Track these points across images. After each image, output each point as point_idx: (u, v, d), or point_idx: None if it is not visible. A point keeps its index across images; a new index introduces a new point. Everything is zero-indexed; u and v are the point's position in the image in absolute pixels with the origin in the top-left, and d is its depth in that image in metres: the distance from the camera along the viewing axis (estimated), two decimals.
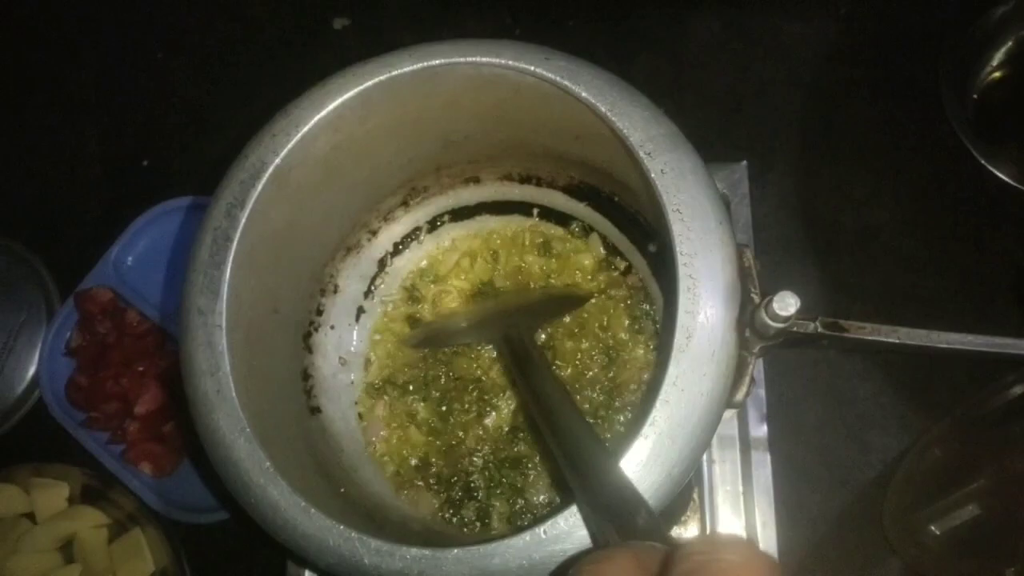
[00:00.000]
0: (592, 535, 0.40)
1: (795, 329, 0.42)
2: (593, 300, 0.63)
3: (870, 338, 0.43)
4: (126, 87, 0.91)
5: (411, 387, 0.63)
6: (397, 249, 0.65)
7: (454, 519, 0.59)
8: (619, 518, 0.37)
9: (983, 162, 0.71)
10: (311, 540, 0.43)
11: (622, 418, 0.60)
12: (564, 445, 0.44)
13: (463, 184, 0.64)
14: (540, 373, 0.52)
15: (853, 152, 0.79)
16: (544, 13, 0.87)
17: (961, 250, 0.75)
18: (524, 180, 0.64)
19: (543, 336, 0.63)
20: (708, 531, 0.64)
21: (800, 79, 0.81)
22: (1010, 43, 0.76)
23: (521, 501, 0.59)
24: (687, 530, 0.64)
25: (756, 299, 0.44)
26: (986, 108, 0.76)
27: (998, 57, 0.76)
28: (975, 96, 0.76)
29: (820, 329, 0.43)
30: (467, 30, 0.87)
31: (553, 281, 0.64)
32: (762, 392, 0.67)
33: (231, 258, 0.47)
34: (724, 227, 0.44)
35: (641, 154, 0.45)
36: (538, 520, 0.43)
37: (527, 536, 0.41)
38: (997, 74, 0.76)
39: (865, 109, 0.80)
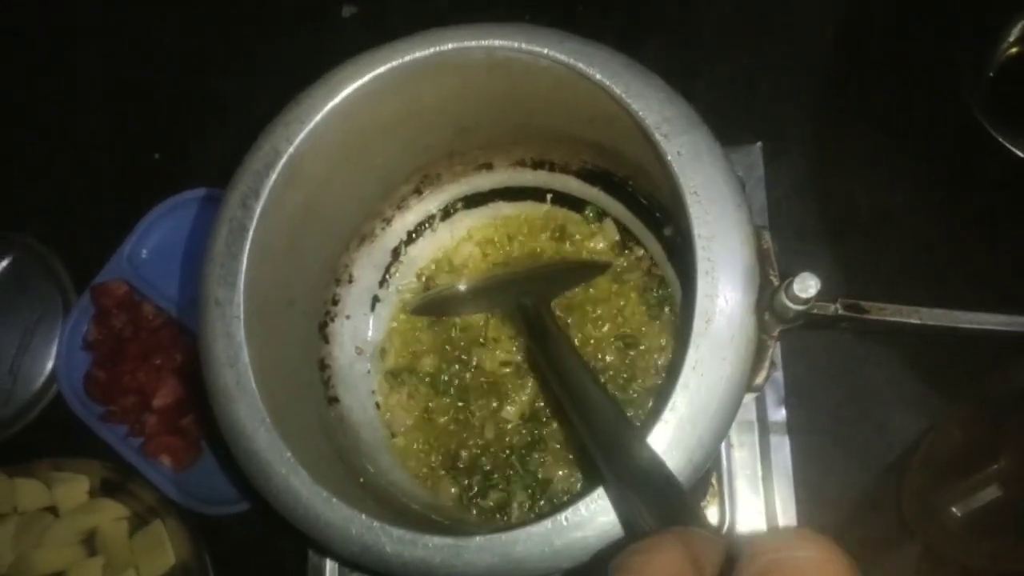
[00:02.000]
0: (623, 519, 0.40)
1: (815, 311, 0.42)
2: (608, 285, 0.62)
3: (891, 319, 0.42)
4: (134, 79, 0.90)
5: (428, 377, 0.63)
6: (411, 237, 0.65)
7: (474, 508, 0.59)
8: (651, 497, 0.37)
9: (1000, 140, 0.70)
10: (333, 529, 0.43)
11: (639, 404, 0.60)
12: (587, 418, 0.44)
13: (476, 171, 0.64)
14: (558, 344, 0.51)
15: (867, 133, 0.78)
16: (553, 0, 0.86)
17: (978, 230, 0.74)
18: (537, 165, 0.63)
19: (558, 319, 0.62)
20: (728, 516, 0.64)
21: (813, 60, 0.80)
22: None
23: (541, 489, 0.59)
24: (707, 514, 0.64)
25: (775, 281, 0.44)
26: (1002, 85, 0.75)
27: (1015, 33, 0.75)
28: (991, 74, 0.75)
29: (841, 311, 0.42)
30: (476, 17, 0.86)
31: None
32: (779, 375, 0.67)
33: (247, 248, 0.47)
34: (742, 209, 0.44)
35: (657, 136, 0.45)
36: (559, 507, 0.43)
37: (548, 523, 0.41)
38: (1014, 50, 0.75)
39: (879, 89, 0.79)
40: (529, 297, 0.55)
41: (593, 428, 0.43)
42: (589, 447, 0.43)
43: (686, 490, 0.38)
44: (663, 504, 0.36)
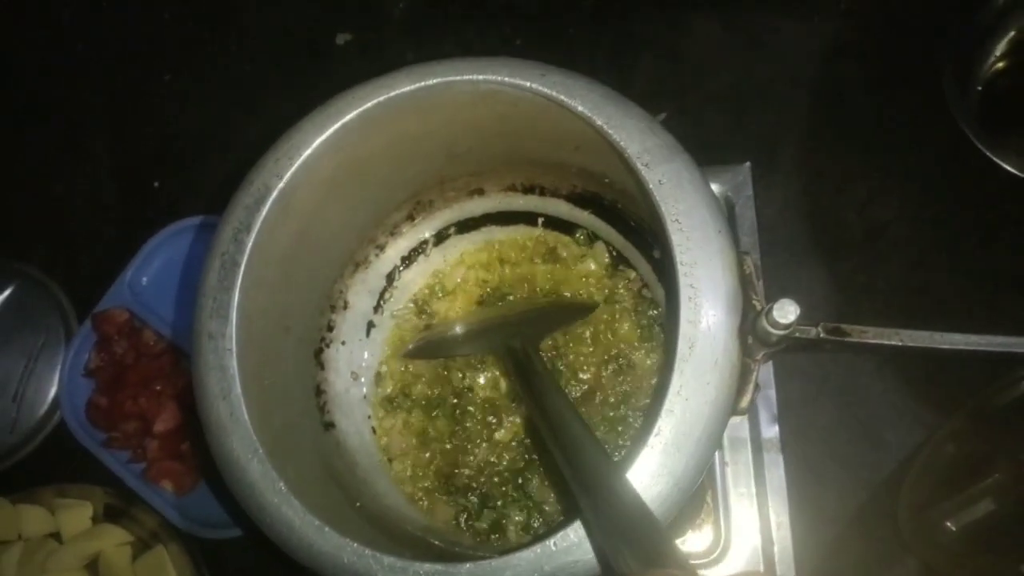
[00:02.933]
0: (598, 553, 0.40)
1: (797, 335, 0.42)
2: (600, 307, 0.63)
3: (873, 342, 0.43)
4: (135, 110, 0.92)
5: (424, 401, 0.63)
6: (405, 263, 0.66)
7: (469, 530, 0.60)
8: (632, 537, 0.37)
9: (989, 155, 0.71)
10: (326, 558, 0.44)
11: (632, 425, 0.60)
12: (571, 460, 0.44)
13: (468, 196, 0.65)
14: (544, 385, 0.51)
15: (857, 149, 0.79)
16: (544, 22, 0.87)
17: (970, 243, 0.75)
18: (528, 190, 0.64)
19: (551, 344, 0.63)
20: (723, 534, 0.65)
21: (802, 77, 0.81)
22: (1012, 32, 0.75)
23: (535, 510, 0.60)
24: (702, 533, 0.65)
25: (758, 306, 0.44)
26: (990, 99, 0.75)
27: (1000, 47, 0.76)
28: (979, 88, 0.76)
29: (822, 335, 0.43)
30: (468, 42, 0.87)
31: (561, 288, 0.65)
32: (772, 393, 0.67)
33: (239, 282, 0.47)
34: (724, 236, 0.45)
35: (639, 165, 0.45)
36: (551, 531, 0.44)
37: (537, 549, 0.42)
38: (1000, 64, 0.76)
39: (868, 105, 0.80)
40: (518, 339, 0.56)
41: (576, 468, 0.43)
42: (571, 486, 0.43)
43: (665, 529, 0.39)
44: (644, 544, 0.37)
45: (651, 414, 0.43)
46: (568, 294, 0.64)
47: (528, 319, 0.62)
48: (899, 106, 0.79)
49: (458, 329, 0.63)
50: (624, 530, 0.38)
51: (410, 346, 0.64)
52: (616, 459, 0.58)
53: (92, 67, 0.94)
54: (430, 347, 0.64)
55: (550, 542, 0.42)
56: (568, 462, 0.44)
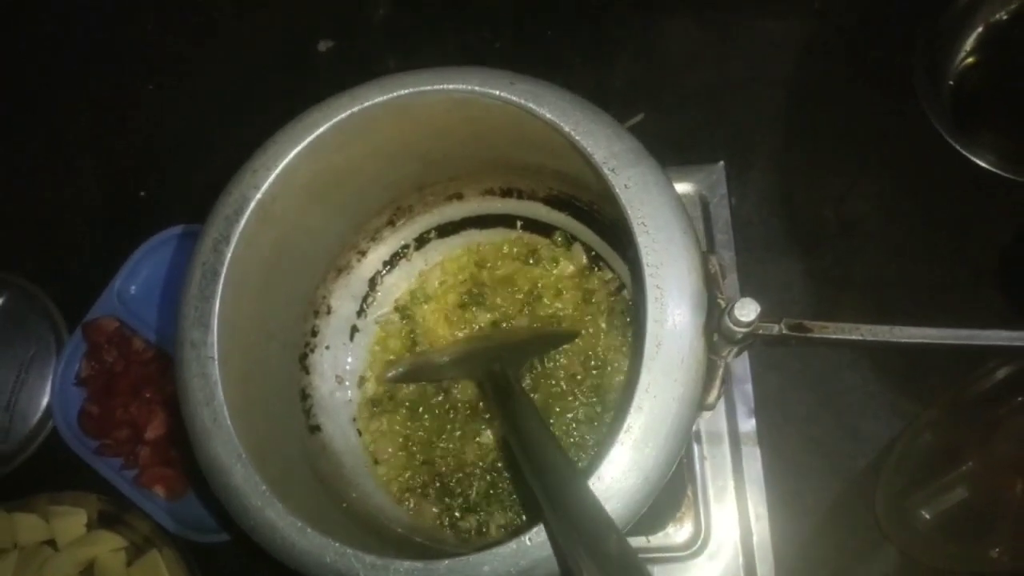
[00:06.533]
0: (560, 564, 0.42)
1: (760, 332, 0.44)
2: (579, 308, 0.64)
3: (834, 336, 0.44)
4: (120, 121, 0.93)
5: (408, 403, 0.65)
6: (387, 267, 0.67)
7: (453, 529, 0.61)
8: (596, 551, 0.39)
9: (960, 150, 0.72)
10: (309, 558, 0.45)
11: (605, 420, 0.62)
12: (541, 477, 0.46)
13: (446, 201, 0.66)
14: (520, 408, 0.53)
15: (832, 146, 0.80)
16: (522, 26, 0.88)
17: (945, 237, 0.76)
18: (505, 194, 0.65)
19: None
20: (703, 527, 0.66)
21: (777, 76, 0.82)
22: (980, 29, 0.76)
23: (518, 510, 0.61)
24: (682, 527, 0.66)
25: (723, 304, 0.45)
26: (962, 95, 0.76)
27: (969, 44, 0.77)
28: (950, 83, 0.77)
29: (784, 331, 0.44)
30: (448, 45, 0.88)
31: (540, 290, 0.66)
32: (748, 387, 0.69)
33: (220, 291, 0.49)
34: (688, 237, 0.46)
35: (605, 170, 0.47)
36: (524, 527, 0.45)
37: (513, 544, 0.43)
38: (970, 60, 0.77)
39: (842, 103, 0.81)
40: (498, 363, 0.57)
41: (545, 484, 0.44)
42: (539, 500, 0.44)
43: (628, 542, 0.40)
44: (606, 556, 0.39)
45: (621, 411, 0.44)
46: (546, 300, 0.65)
47: (510, 346, 0.63)
48: (873, 103, 0.80)
49: (442, 357, 0.64)
50: (588, 543, 0.40)
51: (396, 371, 0.65)
52: (587, 456, 0.60)
53: (77, 78, 0.95)
54: (414, 372, 0.65)
55: (525, 537, 0.43)
56: (538, 479, 0.45)
